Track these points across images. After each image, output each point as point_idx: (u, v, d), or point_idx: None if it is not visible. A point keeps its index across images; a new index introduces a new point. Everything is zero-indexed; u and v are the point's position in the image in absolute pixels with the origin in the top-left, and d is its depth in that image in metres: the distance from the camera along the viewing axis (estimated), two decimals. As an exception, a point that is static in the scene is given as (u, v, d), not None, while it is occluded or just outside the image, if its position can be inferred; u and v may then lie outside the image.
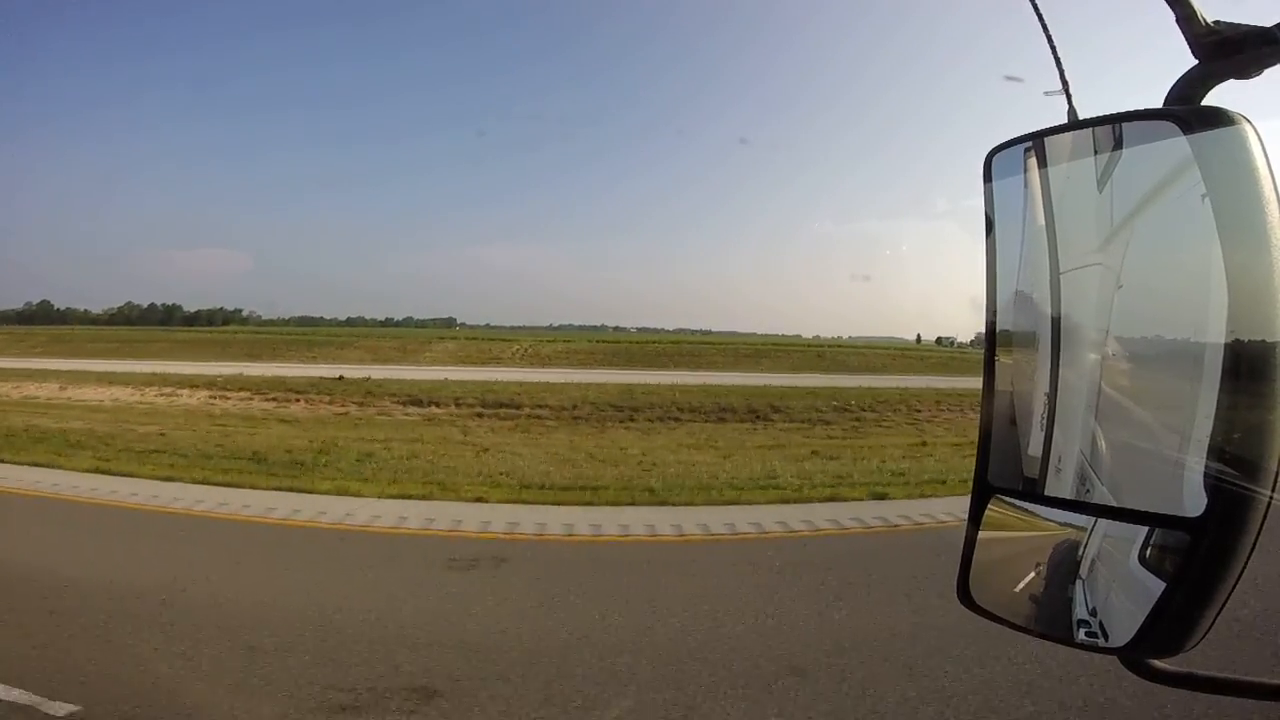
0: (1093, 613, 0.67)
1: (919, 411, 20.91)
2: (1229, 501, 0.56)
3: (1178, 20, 0.64)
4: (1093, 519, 0.68)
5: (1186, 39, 0.64)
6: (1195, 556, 0.58)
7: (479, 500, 9.71)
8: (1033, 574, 0.74)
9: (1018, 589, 0.74)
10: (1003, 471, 0.77)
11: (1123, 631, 0.63)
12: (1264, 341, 0.55)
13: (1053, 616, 0.70)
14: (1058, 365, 0.74)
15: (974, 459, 0.77)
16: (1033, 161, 0.75)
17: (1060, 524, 0.71)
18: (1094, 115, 0.71)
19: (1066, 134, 0.75)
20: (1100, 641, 0.65)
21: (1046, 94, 0.86)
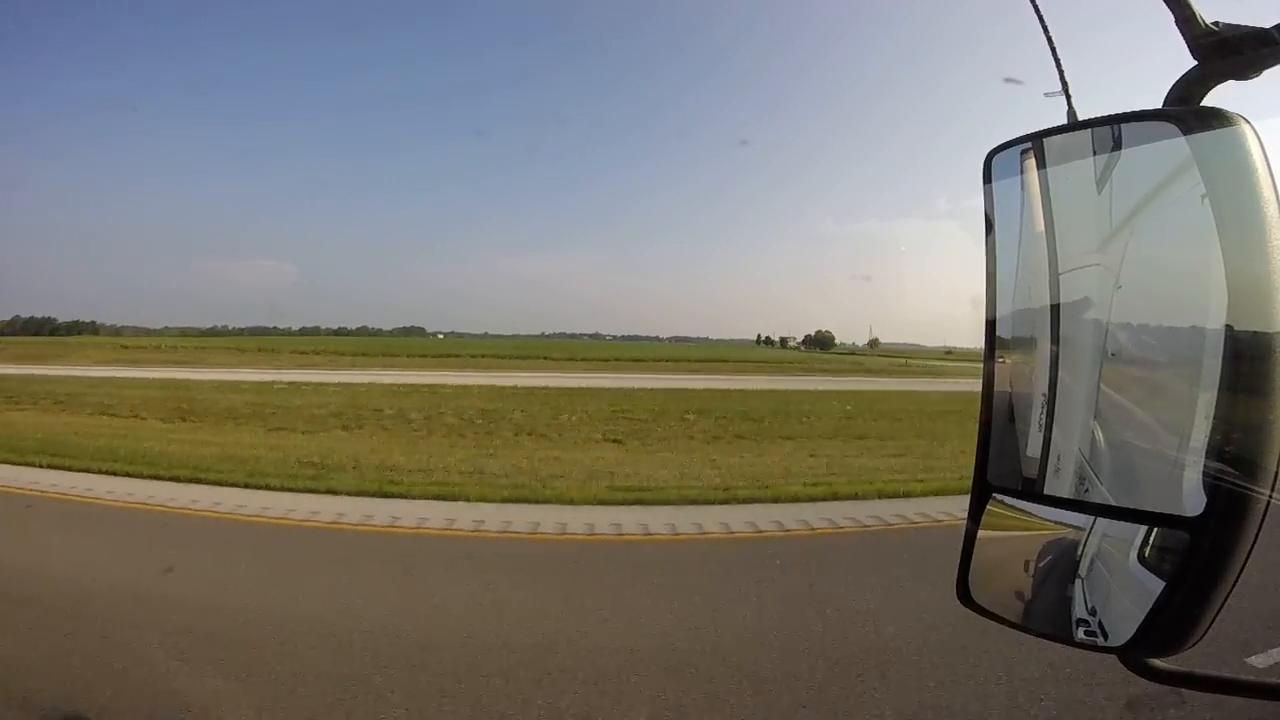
0: (1092, 612, 0.67)
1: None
2: (1228, 501, 0.56)
3: (1177, 21, 0.65)
4: (1092, 518, 0.68)
5: (1185, 40, 0.64)
6: (1195, 556, 0.58)
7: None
8: (1032, 573, 0.74)
9: (1017, 588, 0.74)
10: (1002, 471, 0.77)
11: (1122, 631, 0.63)
12: (1263, 342, 0.55)
13: (1052, 616, 0.70)
14: (1057, 365, 0.74)
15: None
16: (1032, 162, 0.75)
17: (1059, 523, 0.71)
18: (1093, 116, 0.71)
19: (1066, 135, 0.75)
20: (1099, 641, 0.65)
21: (1046, 95, 0.86)
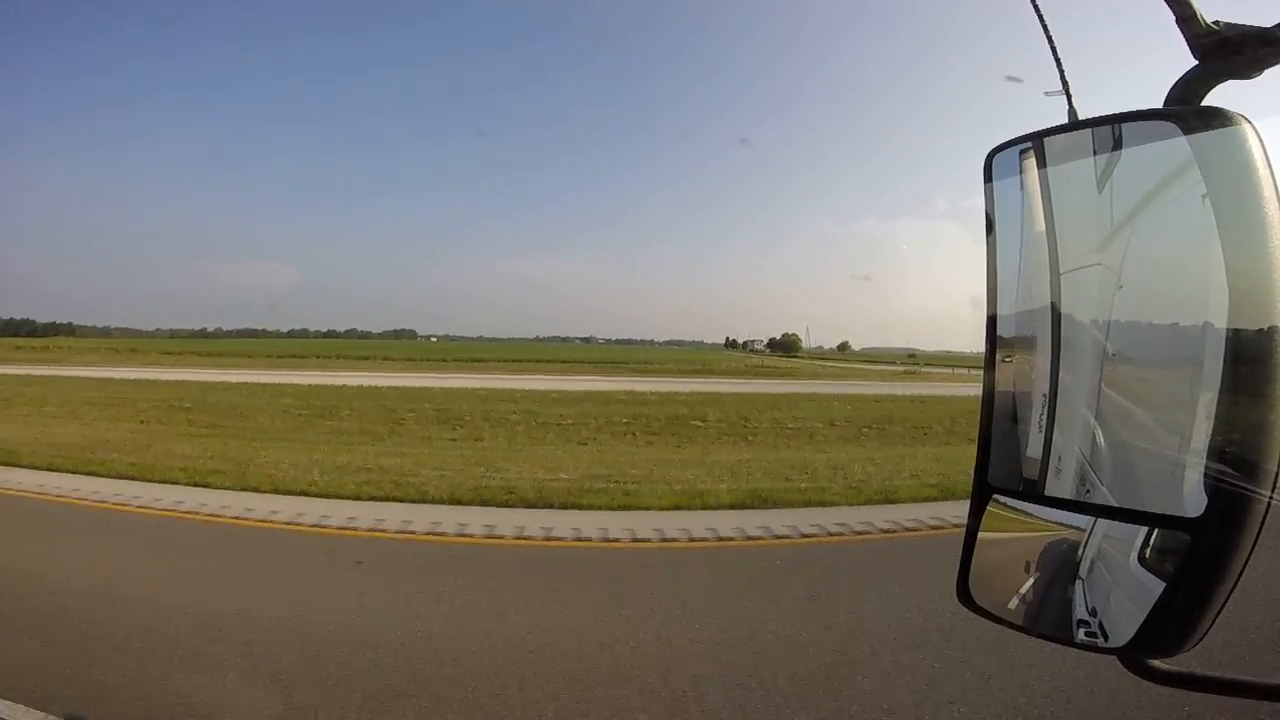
0: (1093, 613, 0.67)
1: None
2: (1229, 502, 0.56)
3: (1178, 21, 0.64)
4: (1092, 519, 0.68)
5: (1186, 39, 0.64)
6: (1195, 557, 0.58)
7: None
8: (1032, 574, 0.74)
9: (1018, 589, 0.74)
10: (1002, 472, 0.76)
11: (1123, 632, 0.63)
12: (1264, 342, 0.55)
13: (1053, 617, 0.70)
14: (1057, 365, 0.74)
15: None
16: (1032, 162, 0.75)
17: (1060, 524, 0.71)
18: (1094, 116, 0.71)
19: (1066, 134, 0.75)
20: (1100, 642, 0.65)
21: (1047, 94, 0.86)
